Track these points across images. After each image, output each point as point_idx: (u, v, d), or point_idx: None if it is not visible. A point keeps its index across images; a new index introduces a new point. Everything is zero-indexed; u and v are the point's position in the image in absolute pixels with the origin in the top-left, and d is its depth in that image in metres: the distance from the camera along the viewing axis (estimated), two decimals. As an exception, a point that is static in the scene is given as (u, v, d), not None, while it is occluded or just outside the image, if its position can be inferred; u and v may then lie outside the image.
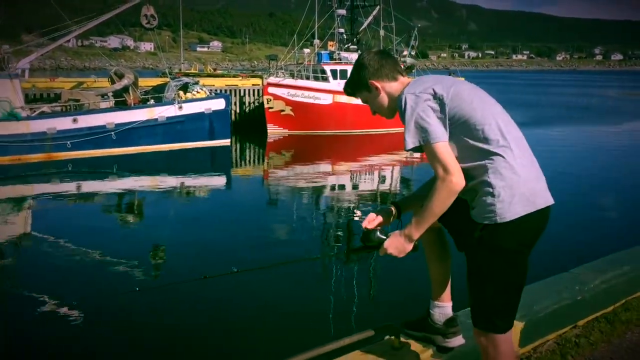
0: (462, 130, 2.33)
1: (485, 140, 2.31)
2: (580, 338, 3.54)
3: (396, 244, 2.47)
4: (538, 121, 32.60)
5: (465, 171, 2.32)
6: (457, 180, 2.25)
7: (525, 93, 64.62)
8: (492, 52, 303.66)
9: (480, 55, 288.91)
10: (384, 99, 2.56)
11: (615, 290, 3.89)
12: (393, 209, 2.72)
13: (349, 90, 2.67)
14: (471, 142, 2.32)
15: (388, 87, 2.54)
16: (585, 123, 35.69)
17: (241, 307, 8.43)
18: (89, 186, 17.83)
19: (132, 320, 7.95)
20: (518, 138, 2.39)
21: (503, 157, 2.29)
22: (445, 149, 2.28)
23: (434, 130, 2.28)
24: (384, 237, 2.53)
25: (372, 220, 2.66)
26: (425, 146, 2.30)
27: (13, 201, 15.90)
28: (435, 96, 2.33)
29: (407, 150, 2.35)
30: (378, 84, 2.54)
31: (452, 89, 2.36)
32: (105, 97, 22.71)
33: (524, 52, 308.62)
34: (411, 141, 2.32)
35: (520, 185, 2.29)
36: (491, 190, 2.28)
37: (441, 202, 2.28)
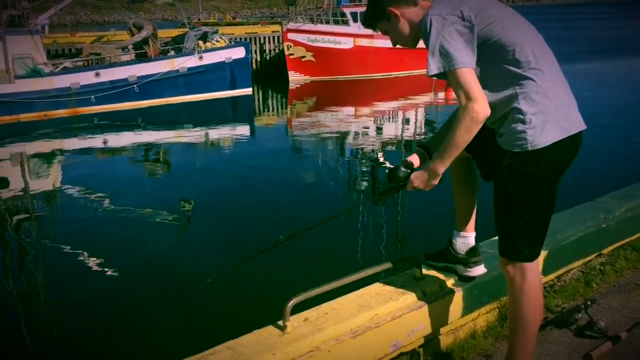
0: (492, 52, 2.22)
1: (516, 62, 2.21)
2: (605, 266, 3.53)
3: (422, 178, 2.42)
4: (569, 57, 31.74)
5: (495, 97, 2.24)
6: (481, 109, 2.14)
7: (555, 28, 62.59)
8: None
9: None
10: (404, 26, 2.43)
11: (622, 228, 3.81)
12: (421, 152, 2.66)
13: (367, 21, 2.54)
14: (501, 64, 2.22)
15: (408, 13, 2.41)
16: (615, 57, 34.59)
17: (260, 243, 8.55)
18: (114, 140, 18.03)
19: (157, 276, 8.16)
20: (550, 61, 2.29)
21: (534, 80, 2.19)
22: (470, 74, 2.16)
23: (460, 55, 2.16)
24: (409, 172, 2.49)
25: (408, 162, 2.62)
26: (448, 72, 2.19)
27: (42, 157, 16.21)
28: (464, 18, 2.20)
29: (430, 76, 2.25)
30: (397, 11, 2.40)
31: (481, 8, 2.23)
32: (126, 49, 22.67)
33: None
34: (435, 66, 2.20)
35: (552, 111, 2.20)
36: (522, 117, 2.20)
37: (464, 132, 2.18)
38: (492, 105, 2.25)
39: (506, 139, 2.27)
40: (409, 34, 2.45)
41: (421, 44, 2.44)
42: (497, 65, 2.23)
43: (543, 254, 3.19)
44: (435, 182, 2.41)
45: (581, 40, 48.09)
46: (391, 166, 2.68)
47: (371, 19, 2.52)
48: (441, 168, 2.34)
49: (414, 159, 2.64)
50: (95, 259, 8.43)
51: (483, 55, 2.23)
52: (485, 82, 2.24)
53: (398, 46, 2.58)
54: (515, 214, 2.33)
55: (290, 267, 7.66)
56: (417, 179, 2.43)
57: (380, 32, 2.54)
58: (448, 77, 2.21)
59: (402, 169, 2.52)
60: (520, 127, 2.21)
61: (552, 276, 3.37)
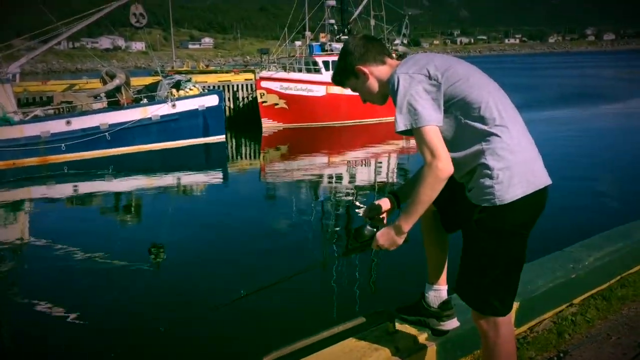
0: (457, 109, 2.28)
1: (482, 119, 2.26)
2: (577, 316, 3.54)
3: (387, 237, 2.41)
4: (532, 104, 32.62)
5: (462, 153, 2.28)
6: (444, 166, 2.17)
7: (519, 76, 64.57)
8: (485, 37, 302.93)
9: (472, 41, 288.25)
10: (373, 84, 2.48)
11: (610, 267, 3.89)
12: (391, 198, 2.69)
13: (337, 78, 2.58)
14: (467, 121, 2.27)
15: (377, 72, 2.46)
16: (579, 104, 35.68)
17: (232, 292, 8.44)
18: (85, 188, 17.79)
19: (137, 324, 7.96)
20: (515, 117, 2.34)
21: (500, 137, 2.24)
22: (435, 132, 2.20)
23: (426, 114, 2.20)
24: (375, 231, 2.48)
25: (368, 211, 2.65)
26: (415, 130, 2.22)
27: (9, 206, 15.86)
28: (430, 77, 2.26)
29: (398, 133, 2.28)
30: (366, 69, 2.45)
31: (446, 67, 2.30)
32: (98, 98, 22.62)
33: (516, 36, 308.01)
34: (402, 123, 2.23)
35: (519, 166, 2.24)
36: (489, 172, 2.24)
37: (429, 189, 2.20)
38: (460, 161, 2.29)
39: (475, 194, 2.30)
40: (378, 91, 2.50)
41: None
42: (464, 122, 2.27)
43: (515, 305, 3.20)
44: (400, 241, 2.40)
45: (543, 88, 49.64)
46: (365, 215, 2.63)
47: (340, 77, 2.56)
48: (406, 226, 2.34)
49: (384, 203, 2.66)
50: (63, 311, 8.18)
51: (450, 112, 2.28)
52: (453, 138, 2.29)
53: (368, 103, 2.61)
54: (486, 268, 2.34)
55: (262, 321, 7.55)
56: (382, 238, 2.42)
57: (349, 89, 2.58)
58: (414, 134, 2.24)
59: (368, 227, 2.51)
60: (488, 182, 2.25)
61: (524, 327, 3.38)
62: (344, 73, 2.53)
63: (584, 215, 11.89)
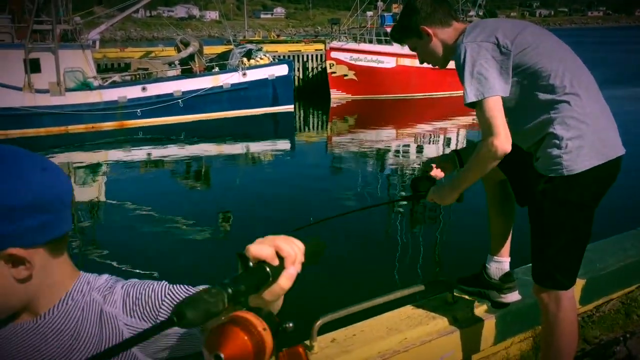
0: (525, 77, 2.19)
1: (552, 88, 2.17)
2: (647, 298, 3.41)
3: (439, 194, 2.44)
4: (610, 80, 31.01)
5: (530, 122, 2.22)
6: (501, 144, 2.08)
7: (599, 51, 61.44)
8: (566, 10, 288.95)
9: (552, 13, 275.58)
10: (436, 46, 2.40)
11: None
12: (453, 157, 2.64)
13: (397, 35, 2.50)
14: (536, 90, 2.19)
15: (441, 34, 2.38)
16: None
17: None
18: (158, 153, 18.41)
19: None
20: (588, 84, 2.25)
21: (570, 105, 2.15)
22: (497, 106, 2.11)
23: (493, 84, 2.12)
24: (430, 184, 2.51)
25: (426, 165, 2.63)
26: (478, 102, 2.14)
27: (88, 167, 16.67)
28: (499, 44, 2.17)
29: (467, 105, 2.19)
30: (430, 30, 2.37)
31: (516, 34, 2.21)
32: (172, 65, 23.22)
33: (600, 8, 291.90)
34: (473, 94, 2.15)
35: (589, 135, 2.16)
36: (557, 142, 2.16)
37: (481, 164, 2.16)
38: (528, 130, 2.23)
39: (542, 163, 2.23)
40: (441, 54, 2.43)
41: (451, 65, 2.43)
42: (532, 90, 2.19)
43: (581, 283, 3.11)
44: (451, 200, 2.42)
45: (624, 63, 46.97)
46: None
47: (400, 34, 2.49)
48: (455, 191, 2.37)
49: (443, 159, 2.64)
50: (134, 268, 8.58)
51: (518, 80, 2.20)
52: (521, 107, 2.22)
53: (425, 65, 2.56)
54: (550, 240, 2.27)
55: (321, 282, 7.65)
56: (434, 194, 2.46)
57: (407, 48, 2.51)
58: (476, 106, 2.17)
59: (425, 181, 2.54)
60: (555, 151, 2.17)
61: (590, 306, 3.28)
62: (406, 31, 2.45)
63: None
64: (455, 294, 2.80)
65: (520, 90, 2.21)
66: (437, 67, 2.54)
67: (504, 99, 2.17)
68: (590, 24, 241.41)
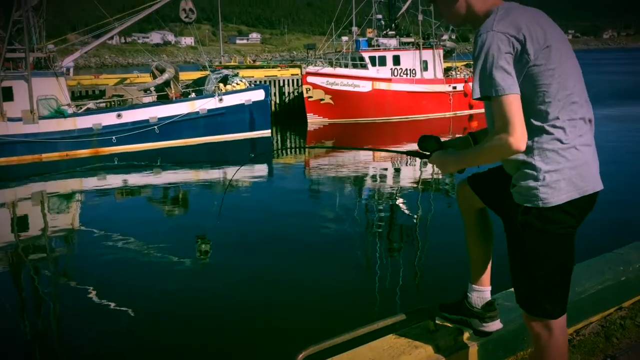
0: (527, 92, 2.10)
1: (544, 115, 2.12)
2: (626, 320, 3.42)
3: (442, 161, 2.42)
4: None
5: None
6: (516, 142, 2.03)
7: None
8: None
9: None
10: (461, 5, 2.27)
11: (626, 288, 3.70)
12: (468, 139, 2.58)
13: None
14: (528, 110, 2.10)
15: None
16: (633, 102, 34.44)
17: (275, 285, 8.50)
18: (134, 179, 18.24)
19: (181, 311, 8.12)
20: (583, 116, 2.19)
21: (554, 137, 2.12)
22: (516, 103, 2.03)
23: (511, 83, 2.04)
24: (436, 148, 2.49)
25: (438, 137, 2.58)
26: (494, 98, 2.06)
27: (62, 196, 16.42)
28: (524, 46, 2.07)
29: (475, 99, 2.13)
30: None
31: (544, 46, 2.09)
32: (148, 91, 23.16)
33: (569, 31, 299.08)
34: (484, 90, 2.08)
35: (567, 170, 2.13)
36: (535, 173, 2.14)
37: (492, 155, 2.15)
38: None
39: (518, 192, 2.22)
40: (462, 15, 2.30)
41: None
42: (525, 108, 2.08)
43: (561, 307, 3.11)
44: (448, 172, 2.43)
45: (594, 85, 48.13)
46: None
47: None
48: (457, 166, 2.37)
49: (460, 142, 2.61)
50: (110, 298, 8.42)
51: (521, 87, 2.11)
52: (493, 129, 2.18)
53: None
54: (535, 270, 2.25)
55: (302, 314, 7.60)
56: (437, 159, 2.45)
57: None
58: (492, 102, 2.09)
59: (433, 142, 2.52)
60: (532, 183, 2.16)
61: (570, 330, 3.28)
62: None
63: (637, 214, 11.49)
64: (437, 321, 2.79)
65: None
66: (451, 24, 2.44)
67: (486, 106, 2.18)
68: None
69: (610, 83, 50.72)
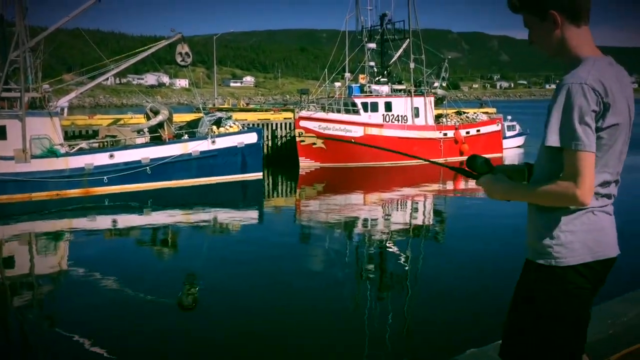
0: None
1: None
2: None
3: (491, 186, 2.35)
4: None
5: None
6: (583, 197, 2.05)
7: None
8: (525, 82, 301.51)
9: (512, 85, 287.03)
10: (555, 36, 2.21)
11: (631, 332, 3.73)
12: (524, 169, 2.50)
13: (518, 4, 2.26)
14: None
15: (567, 30, 2.19)
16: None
17: (261, 332, 8.41)
18: (124, 220, 18.16)
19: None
20: (605, 194, 2.22)
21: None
22: (592, 161, 2.05)
23: (592, 140, 2.05)
24: (487, 170, 2.43)
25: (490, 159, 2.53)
26: (574, 151, 2.05)
27: (51, 235, 16.28)
28: (605, 111, 2.08)
29: (545, 145, 2.12)
30: (559, 19, 2.17)
31: (619, 117, 2.12)
32: (141, 132, 23.28)
33: (557, 81, 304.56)
34: (564, 140, 2.06)
35: (582, 234, 2.17)
36: (551, 231, 2.19)
37: (551, 200, 2.14)
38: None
39: (534, 248, 2.24)
40: (554, 46, 2.25)
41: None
42: (562, 165, 2.11)
43: None
44: (495, 198, 2.36)
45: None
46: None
47: (524, 4, 2.26)
48: (506, 196, 2.30)
49: (515, 171, 2.51)
50: (95, 340, 8.29)
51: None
52: (549, 169, 2.18)
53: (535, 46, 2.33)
54: (534, 327, 2.23)
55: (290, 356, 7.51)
56: (488, 183, 2.37)
57: (523, 22, 2.29)
58: (569, 153, 2.07)
59: (483, 163, 2.46)
60: (547, 241, 2.19)
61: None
62: (532, 4, 2.23)
63: (626, 268, 11.52)
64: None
65: (559, 159, 2.13)
66: (545, 53, 2.32)
67: (546, 149, 2.16)
68: (548, 96, 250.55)
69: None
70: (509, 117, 39.14)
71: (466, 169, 2.49)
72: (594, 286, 2.24)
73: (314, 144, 29.01)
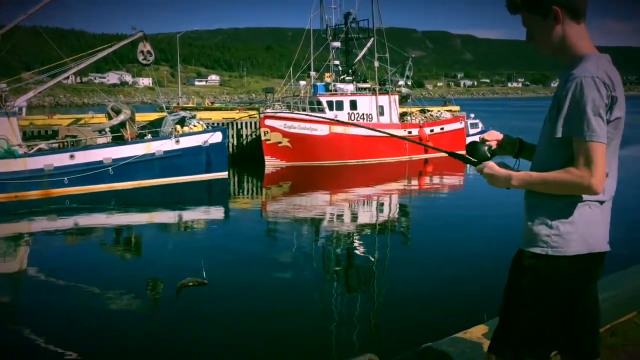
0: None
1: None
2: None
3: (494, 173, 2.33)
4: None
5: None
6: (597, 186, 2.11)
7: (523, 120, 65.00)
8: (488, 81, 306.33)
9: (475, 83, 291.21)
10: (556, 33, 2.23)
11: (603, 314, 3.85)
12: (516, 143, 2.56)
13: (520, 3, 2.26)
14: (571, 159, 2.16)
15: (568, 27, 2.22)
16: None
17: (228, 330, 8.39)
18: (86, 221, 17.83)
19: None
20: (609, 183, 2.27)
21: (581, 195, 2.20)
22: (603, 152, 2.10)
23: (604, 132, 2.11)
24: (489, 157, 2.42)
25: (491, 135, 2.53)
26: (582, 141, 2.10)
27: (10, 239, 15.87)
28: (613, 104, 2.14)
29: (556, 137, 2.16)
30: (561, 15, 2.19)
31: (621, 111, 2.19)
32: (103, 132, 22.89)
33: (519, 79, 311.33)
34: (576, 130, 2.11)
35: (580, 226, 2.22)
36: (551, 220, 2.23)
37: (562, 188, 2.16)
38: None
39: (528, 236, 2.29)
40: (555, 44, 2.26)
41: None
42: (569, 158, 2.17)
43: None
44: (501, 185, 2.33)
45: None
46: (484, 137, 2.54)
47: (525, 3, 2.26)
48: (516, 182, 2.28)
49: (506, 138, 2.55)
50: (56, 345, 8.13)
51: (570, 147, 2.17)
52: (553, 158, 2.23)
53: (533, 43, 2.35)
54: (521, 311, 2.29)
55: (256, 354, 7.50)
56: (489, 169, 2.36)
57: (522, 21, 2.31)
58: (580, 144, 2.12)
59: (485, 150, 2.44)
60: (544, 230, 2.24)
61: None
62: (533, 2, 2.24)
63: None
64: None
65: (568, 148, 2.17)
66: (543, 52, 2.34)
67: (552, 140, 2.20)
68: (510, 94, 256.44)
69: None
70: (472, 115, 39.72)
71: (468, 155, 2.48)
72: (585, 278, 2.30)
73: (280, 142, 28.97)
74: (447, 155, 2.67)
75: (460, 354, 3.07)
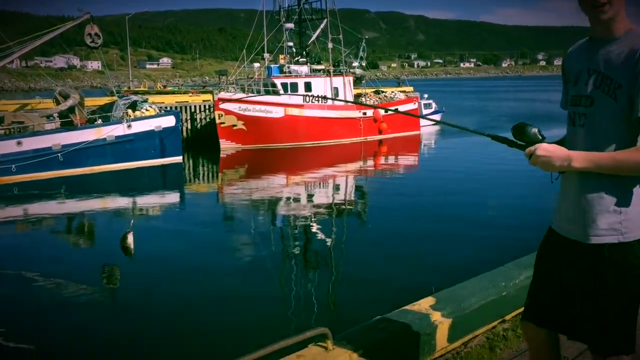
0: None
1: None
2: (508, 331, 3.71)
3: (550, 155, 2.14)
4: (484, 126, 33.54)
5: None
6: None
7: (474, 100, 66.27)
8: (441, 61, 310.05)
9: (429, 64, 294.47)
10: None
11: None
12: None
13: None
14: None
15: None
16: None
17: (183, 314, 8.42)
18: (36, 210, 17.39)
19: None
20: None
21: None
22: None
23: None
24: (540, 138, 2.21)
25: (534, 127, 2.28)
26: None
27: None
28: None
29: (636, 118, 2.05)
30: None
31: None
32: (51, 118, 22.26)
33: (471, 60, 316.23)
34: None
35: None
36: (620, 206, 2.15)
37: (637, 167, 2.06)
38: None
39: (593, 226, 2.18)
40: (621, 10, 2.14)
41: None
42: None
43: (447, 321, 3.35)
44: (558, 167, 2.16)
45: (495, 110, 50.97)
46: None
47: None
48: (578, 164, 2.13)
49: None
50: (8, 337, 8.00)
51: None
52: (619, 138, 2.14)
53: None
54: (626, 306, 2.18)
55: (207, 334, 7.55)
56: (545, 150, 2.16)
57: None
58: None
59: (534, 130, 2.22)
60: (614, 217, 2.15)
61: (458, 343, 3.52)
62: None
63: (522, 233, 12.18)
64: (334, 341, 2.92)
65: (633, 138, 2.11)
66: (604, 17, 2.13)
67: (628, 120, 2.10)
68: (463, 74, 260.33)
69: (509, 108, 53.96)
70: (426, 96, 40.22)
71: (515, 137, 2.28)
72: None
73: (234, 125, 28.75)
74: (488, 137, 2.43)
75: (408, 324, 3.20)
